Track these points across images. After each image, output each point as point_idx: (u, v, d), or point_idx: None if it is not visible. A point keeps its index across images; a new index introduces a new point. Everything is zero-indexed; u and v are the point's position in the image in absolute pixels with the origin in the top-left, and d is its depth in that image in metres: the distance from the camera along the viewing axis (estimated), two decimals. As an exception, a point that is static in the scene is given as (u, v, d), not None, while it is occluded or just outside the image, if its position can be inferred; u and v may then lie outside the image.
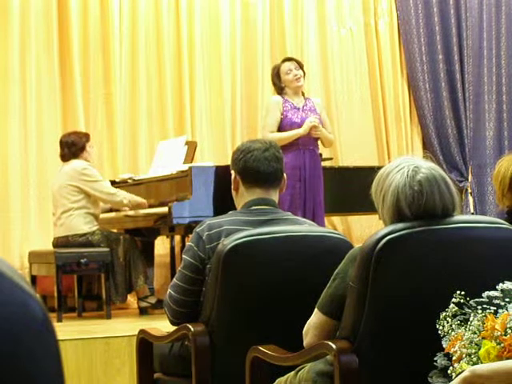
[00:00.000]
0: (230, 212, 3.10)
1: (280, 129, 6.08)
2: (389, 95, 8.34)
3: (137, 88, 7.44)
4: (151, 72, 7.51)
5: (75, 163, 6.13)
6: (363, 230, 7.95)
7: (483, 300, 2.21)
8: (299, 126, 6.06)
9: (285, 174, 3.17)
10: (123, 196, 6.16)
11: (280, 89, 6.18)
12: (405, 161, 2.43)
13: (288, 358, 2.60)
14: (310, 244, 2.93)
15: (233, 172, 3.15)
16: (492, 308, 2.19)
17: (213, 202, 5.84)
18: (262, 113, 7.38)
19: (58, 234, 6.12)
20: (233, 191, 3.17)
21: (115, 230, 6.49)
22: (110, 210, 6.52)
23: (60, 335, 4.57)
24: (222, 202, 5.65)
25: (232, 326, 2.91)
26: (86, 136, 6.31)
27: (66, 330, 5.08)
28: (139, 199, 6.18)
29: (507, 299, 2.20)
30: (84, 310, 6.34)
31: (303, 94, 6.28)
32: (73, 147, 6.15)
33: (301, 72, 6.17)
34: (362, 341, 2.32)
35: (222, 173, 5.86)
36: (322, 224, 5.95)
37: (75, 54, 7.22)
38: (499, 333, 2.11)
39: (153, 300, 6.20)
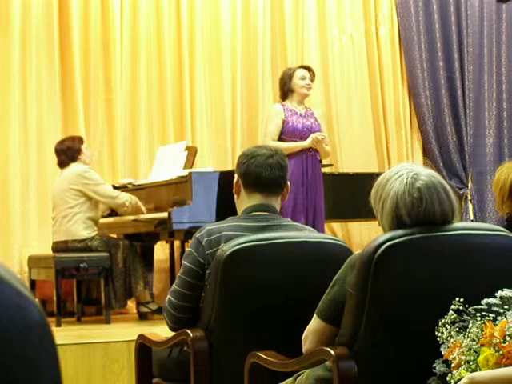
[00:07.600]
0: (230, 218, 3.10)
1: (282, 134, 6.11)
2: (389, 101, 8.34)
3: (137, 93, 7.45)
4: (151, 77, 7.52)
5: (75, 167, 6.13)
6: (363, 236, 7.94)
7: (482, 307, 2.21)
8: (300, 131, 6.10)
9: (288, 183, 3.17)
10: (125, 198, 6.17)
11: (285, 93, 6.22)
12: (404, 168, 2.43)
13: (287, 363, 2.60)
14: (309, 250, 2.92)
15: (236, 175, 3.15)
16: (491, 315, 2.19)
17: (213, 208, 5.83)
18: (262, 118, 7.40)
19: (57, 239, 6.12)
20: (234, 194, 3.17)
21: (115, 235, 6.49)
22: (110, 214, 6.53)
23: (59, 340, 4.57)
24: (222, 208, 5.65)
25: (231, 332, 2.91)
26: (80, 139, 6.31)
27: (65, 334, 5.08)
28: (140, 205, 6.18)
29: (506, 306, 2.21)
30: (83, 314, 6.34)
31: (304, 105, 6.32)
32: (69, 152, 6.15)
33: (312, 84, 6.27)
34: (360, 347, 2.32)
35: (222, 178, 5.86)
36: (322, 230, 5.95)
37: (76, 59, 7.23)
38: (498, 340, 2.11)
39: (154, 306, 6.20)
